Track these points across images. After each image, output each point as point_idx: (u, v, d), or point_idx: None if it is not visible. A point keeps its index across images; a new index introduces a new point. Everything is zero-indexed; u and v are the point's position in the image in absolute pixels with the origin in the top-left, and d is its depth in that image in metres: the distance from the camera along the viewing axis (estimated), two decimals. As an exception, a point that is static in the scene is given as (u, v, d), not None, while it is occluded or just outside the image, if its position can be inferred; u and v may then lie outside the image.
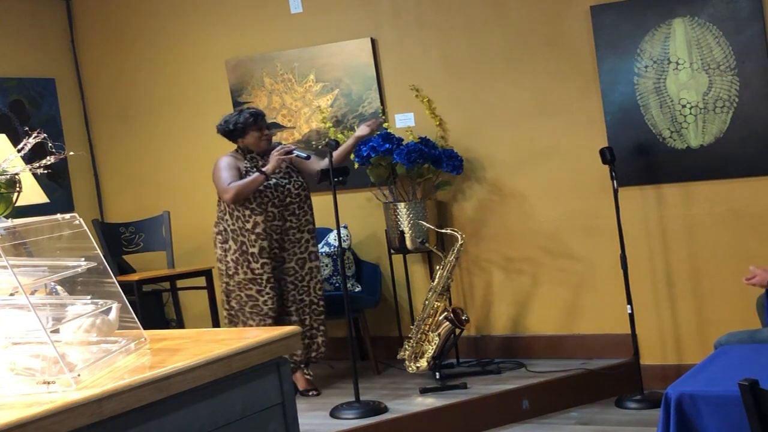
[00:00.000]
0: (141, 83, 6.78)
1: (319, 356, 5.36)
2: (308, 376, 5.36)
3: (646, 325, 5.32)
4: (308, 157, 5.20)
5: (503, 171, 5.69)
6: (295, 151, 5.16)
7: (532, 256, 5.66)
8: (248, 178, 5.09)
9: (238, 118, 5.18)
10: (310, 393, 5.31)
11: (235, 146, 5.27)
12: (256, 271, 5.14)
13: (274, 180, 5.14)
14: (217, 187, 5.18)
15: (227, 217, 5.19)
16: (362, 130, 5.28)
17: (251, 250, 5.13)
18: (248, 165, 5.17)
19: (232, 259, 5.18)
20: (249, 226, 5.13)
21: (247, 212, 5.13)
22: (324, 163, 5.18)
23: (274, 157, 5.10)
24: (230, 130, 5.20)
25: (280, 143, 5.32)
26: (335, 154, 5.15)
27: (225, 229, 5.22)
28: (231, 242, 5.18)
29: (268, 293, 5.15)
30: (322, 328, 5.32)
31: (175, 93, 6.64)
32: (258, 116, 5.22)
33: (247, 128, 5.16)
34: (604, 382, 5.20)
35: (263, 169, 5.10)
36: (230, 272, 5.21)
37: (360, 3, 5.98)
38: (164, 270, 6.36)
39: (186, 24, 6.58)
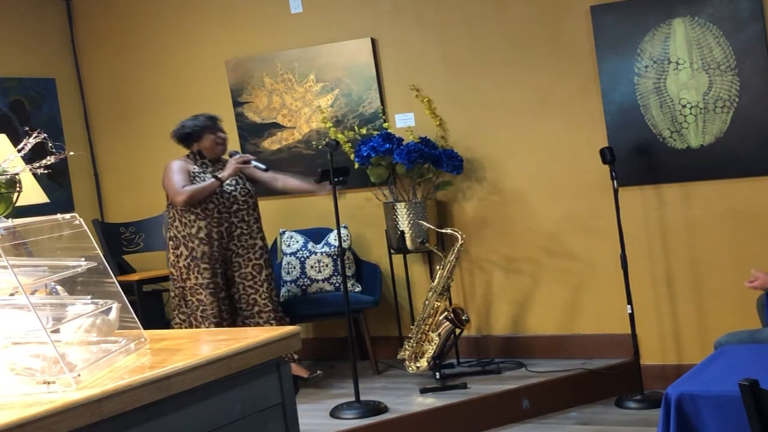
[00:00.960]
0: (141, 83, 6.78)
1: (290, 359, 5.37)
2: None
3: (646, 325, 5.32)
4: (266, 169, 5.24)
5: (503, 171, 5.68)
6: (253, 162, 5.20)
7: (532, 256, 5.66)
8: (203, 183, 5.14)
9: (195, 122, 5.26)
10: (317, 373, 5.35)
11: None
12: (204, 275, 5.18)
13: (221, 187, 5.18)
14: (168, 191, 5.21)
15: (177, 223, 5.24)
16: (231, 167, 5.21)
17: (195, 254, 5.18)
18: (198, 170, 5.22)
19: (184, 265, 5.23)
20: (193, 231, 5.18)
21: (192, 217, 5.18)
22: (282, 179, 5.40)
23: (232, 164, 5.15)
24: (187, 134, 5.27)
25: (236, 152, 5.36)
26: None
27: (176, 236, 5.26)
28: (182, 248, 5.23)
29: (209, 298, 5.18)
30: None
31: (175, 93, 6.64)
32: (214, 119, 5.30)
33: (204, 132, 5.24)
34: (604, 382, 5.20)
35: (219, 175, 5.14)
36: (183, 277, 5.25)
37: (360, 3, 5.98)
38: (164, 270, 6.34)
39: (186, 24, 6.58)
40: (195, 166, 5.24)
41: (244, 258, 5.24)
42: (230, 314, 5.27)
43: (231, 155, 5.27)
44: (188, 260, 5.20)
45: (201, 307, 5.19)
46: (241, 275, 5.25)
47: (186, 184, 5.14)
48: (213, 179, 5.14)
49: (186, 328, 5.25)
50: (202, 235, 5.16)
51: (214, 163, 5.29)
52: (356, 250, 6.04)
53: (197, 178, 5.18)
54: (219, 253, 5.20)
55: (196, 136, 5.25)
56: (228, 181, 5.20)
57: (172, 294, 5.37)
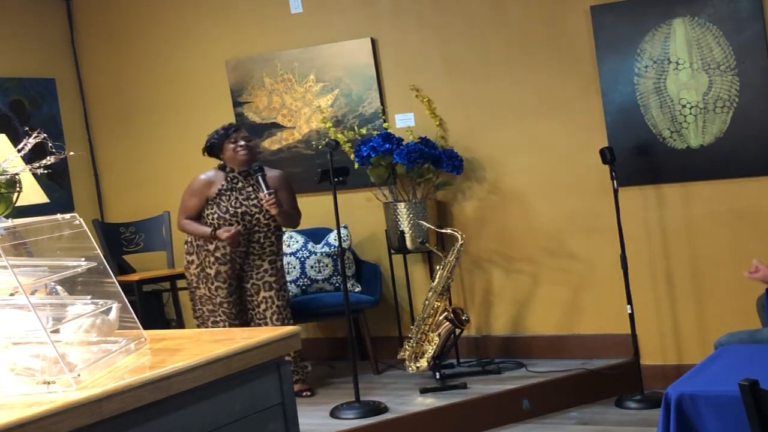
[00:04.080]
0: (141, 83, 6.78)
1: (298, 380, 5.31)
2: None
3: (646, 325, 5.32)
4: (270, 193, 5.06)
5: (503, 171, 5.69)
6: (262, 185, 5.06)
7: (532, 256, 5.66)
8: (199, 228, 5.14)
9: (214, 135, 5.21)
10: (304, 394, 5.30)
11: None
12: (212, 291, 5.21)
13: (243, 208, 5.12)
14: (179, 209, 5.25)
15: None
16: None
17: (208, 270, 5.18)
18: (226, 186, 5.15)
19: (194, 273, 5.25)
20: (211, 248, 5.17)
21: None
22: None
23: (231, 235, 5.01)
24: (209, 147, 5.23)
25: (259, 166, 5.13)
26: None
27: (190, 242, 5.27)
28: (194, 257, 5.24)
29: (220, 315, 5.21)
30: (287, 357, 5.24)
31: (175, 93, 6.64)
32: (230, 128, 5.22)
33: (222, 142, 5.17)
34: (604, 382, 5.20)
35: (217, 233, 5.07)
36: (194, 285, 5.28)
37: (360, 3, 5.98)
38: (164, 270, 6.36)
39: (186, 24, 6.58)
40: (224, 182, 5.16)
41: (247, 275, 5.25)
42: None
43: (255, 170, 5.12)
44: (198, 270, 5.21)
45: (212, 318, 5.23)
46: (245, 290, 5.28)
47: (189, 215, 5.17)
48: (210, 231, 5.09)
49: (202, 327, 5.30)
50: (218, 254, 5.15)
51: (245, 177, 5.17)
52: (356, 250, 6.04)
53: (222, 197, 5.11)
54: (237, 272, 5.21)
55: (218, 148, 5.19)
56: (254, 203, 5.13)
57: (189, 294, 5.38)
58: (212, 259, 5.16)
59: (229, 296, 5.21)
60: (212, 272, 5.17)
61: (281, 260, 5.35)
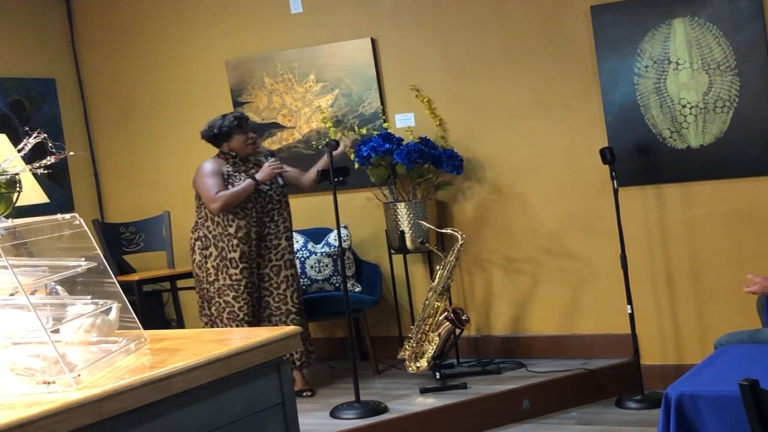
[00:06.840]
0: (141, 83, 6.78)
1: (303, 365, 5.34)
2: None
3: (646, 325, 5.32)
4: (283, 186, 5.22)
5: (503, 171, 5.69)
6: (280, 177, 5.19)
7: (532, 256, 5.66)
8: (239, 187, 5.10)
9: (223, 122, 5.18)
10: (304, 393, 5.30)
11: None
12: (234, 277, 5.15)
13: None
14: (203, 196, 5.16)
15: (208, 222, 5.20)
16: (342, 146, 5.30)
17: (231, 255, 5.15)
18: (231, 170, 5.18)
19: (212, 266, 5.20)
20: (232, 230, 5.14)
21: (231, 216, 5.14)
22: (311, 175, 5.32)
23: (268, 170, 5.12)
24: (215, 134, 5.20)
25: (271, 152, 5.29)
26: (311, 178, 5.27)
27: (206, 235, 5.22)
28: (212, 248, 5.20)
29: (244, 299, 5.16)
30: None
31: (175, 93, 6.64)
32: (242, 119, 5.24)
33: (233, 131, 5.17)
34: (604, 382, 5.20)
35: (256, 176, 5.11)
36: (210, 279, 5.22)
37: (360, 3, 5.98)
38: (164, 270, 6.36)
39: (186, 24, 6.58)
40: (228, 167, 5.18)
41: (265, 258, 5.23)
42: (258, 316, 5.28)
43: (266, 155, 5.22)
44: (217, 261, 5.17)
45: (228, 309, 5.16)
46: (260, 276, 5.25)
47: (220, 189, 5.10)
48: (249, 180, 5.11)
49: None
50: (241, 234, 5.13)
51: (245, 162, 5.24)
52: (356, 250, 6.04)
53: (232, 178, 5.15)
54: (255, 252, 5.21)
55: (225, 137, 5.19)
56: None
57: (197, 297, 5.33)
58: (235, 241, 5.12)
59: (251, 276, 5.17)
60: (236, 255, 5.13)
61: (292, 237, 5.38)
